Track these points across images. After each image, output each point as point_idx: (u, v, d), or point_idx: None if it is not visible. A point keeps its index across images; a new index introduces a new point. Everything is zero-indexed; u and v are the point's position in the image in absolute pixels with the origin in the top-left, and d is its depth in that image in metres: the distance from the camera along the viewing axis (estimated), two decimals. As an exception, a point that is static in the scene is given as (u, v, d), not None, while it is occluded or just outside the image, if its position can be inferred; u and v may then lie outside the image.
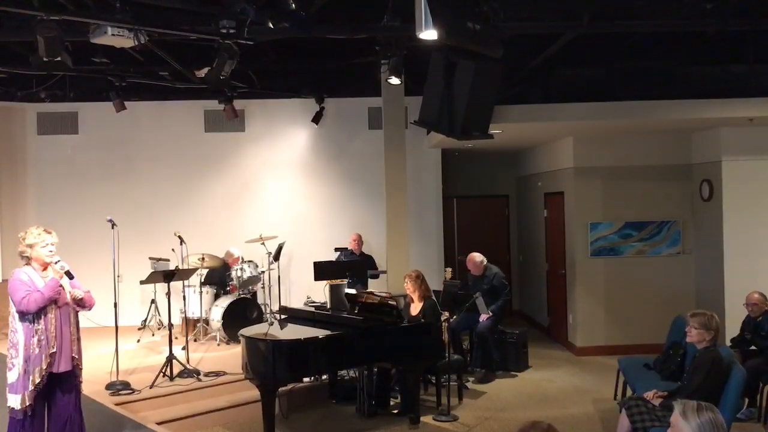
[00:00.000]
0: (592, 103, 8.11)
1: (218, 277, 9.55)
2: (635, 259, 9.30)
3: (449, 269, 8.74)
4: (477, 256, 8.50)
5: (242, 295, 9.17)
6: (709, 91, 8.00)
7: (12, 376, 4.71)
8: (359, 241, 10.00)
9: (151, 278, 7.60)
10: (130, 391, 6.76)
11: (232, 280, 9.43)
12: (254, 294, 9.63)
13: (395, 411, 6.85)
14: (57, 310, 4.81)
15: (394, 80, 8.03)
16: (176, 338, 7.71)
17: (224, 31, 6.05)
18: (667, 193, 9.35)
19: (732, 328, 8.10)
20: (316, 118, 10.55)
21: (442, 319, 7.07)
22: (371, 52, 8.22)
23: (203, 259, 9.11)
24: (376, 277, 9.73)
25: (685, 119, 8.11)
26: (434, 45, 6.55)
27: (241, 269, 9.35)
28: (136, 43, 5.70)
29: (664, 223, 9.30)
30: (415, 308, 7.05)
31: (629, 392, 6.60)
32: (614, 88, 8.30)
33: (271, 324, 7.26)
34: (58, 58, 5.75)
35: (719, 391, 4.96)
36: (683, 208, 9.34)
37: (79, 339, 5.02)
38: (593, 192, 9.35)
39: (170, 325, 7.40)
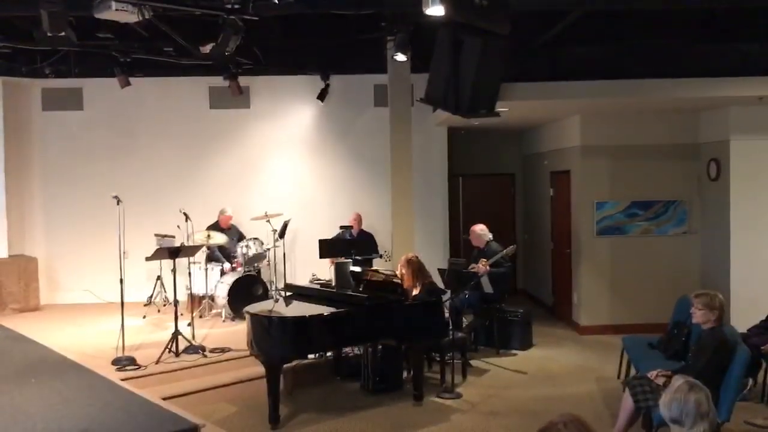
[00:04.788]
0: (600, 81, 8.03)
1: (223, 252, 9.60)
2: (641, 238, 9.27)
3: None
4: (478, 228, 8.47)
5: (247, 272, 9.20)
6: (718, 69, 7.90)
7: None
8: (359, 220, 9.95)
9: (157, 255, 7.61)
10: (136, 367, 6.81)
11: (236, 256, 9.46)
12: (259, 271, 9.65)
13: (400, 388, 6.87)
14: None
15: (401, 57, 7.97)
16: (182, 315, 7.74)
17: (229, 6, 6.00)
18: (674, 173, 9.29)
19: (737, 308, 8.12)
20: (322, 95, 10.50)
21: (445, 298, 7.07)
22: (377, 29, 8.15)
23: (209, 236, 9.11)
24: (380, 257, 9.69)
25: (693, 98, 8.03)
26: (441, 21, 6.49)
27: (247, 246, 9.36)
28: (141, 18, 5.66)
29: (670, 202, 9.26)
30: (415, 290, 7.04)
31: (633, 371, 6.61)
32: (622, 65, 8.21)
33: (276, 301, 7.28)
34: (62, 33, 5.72)
35: (723, 371, 4.96)
36: (690, 187, 9.28)
37: None
38: (600, 171, 9.29)
39: (176, 302, 7.44)
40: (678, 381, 3.02)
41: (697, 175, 9.25)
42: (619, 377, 7.08)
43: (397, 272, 7.00)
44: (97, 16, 5.73)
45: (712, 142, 8.95)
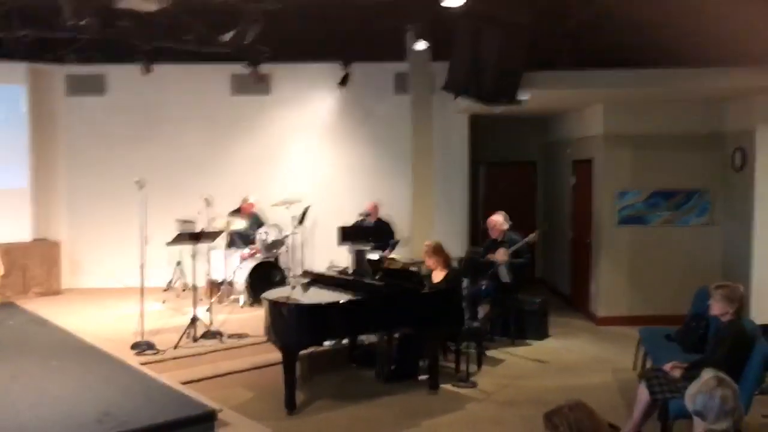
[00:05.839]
0: (623, 69, 7.92)
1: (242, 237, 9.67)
2: (662, 228, 9.17)
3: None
4: (497, 217, 8.39)
5: (266, 259, 9.25)
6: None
7: None
8: (377, 208, 9.93)
9: (177, 240, 7.69)
10: (155, 351, 6.91)
11: (255, 242, 9.52)
12: (277, 257, 9.71)
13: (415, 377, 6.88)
14: None
15: (421, 44, 7.94)
16: (200, 300, 7.82)
17: (249, -6, 6.01)
18: (697, 162, 9.15)
19: (758, 301, 8.01)
20: (344, 81, 10.49)
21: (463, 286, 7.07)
22: (397, 16, 8.11)
23: (229, 222, 9.17)
24: (394, 246, 9.67)
25: (719, 87, 7.89)
26: (461, 10, 6.46)
27: (266, 233, 9.42)
28: (160, 7, 5.69)
29: (693, 192, 9.14)
30: (438, 275, 7.05)
31: (649, 363, 6.56)
32: (646, 54, 8.09)
33: (294, 287, 7.31)
34: (83, 22, 5.78)
35: (742, 364, 4.91)
36: (714, 177, 9.14)
37: None
38: (622, 160, 9.18)
39: (195, 287, 7.51)
40: (707, 374, 2.99)
41: (721, 164, 9.10)
42: (635, 369, 7.04)
43: (426, 261, 7.02)
44: (118, 6, 5.78)
45: (738, 131, 8.80)
